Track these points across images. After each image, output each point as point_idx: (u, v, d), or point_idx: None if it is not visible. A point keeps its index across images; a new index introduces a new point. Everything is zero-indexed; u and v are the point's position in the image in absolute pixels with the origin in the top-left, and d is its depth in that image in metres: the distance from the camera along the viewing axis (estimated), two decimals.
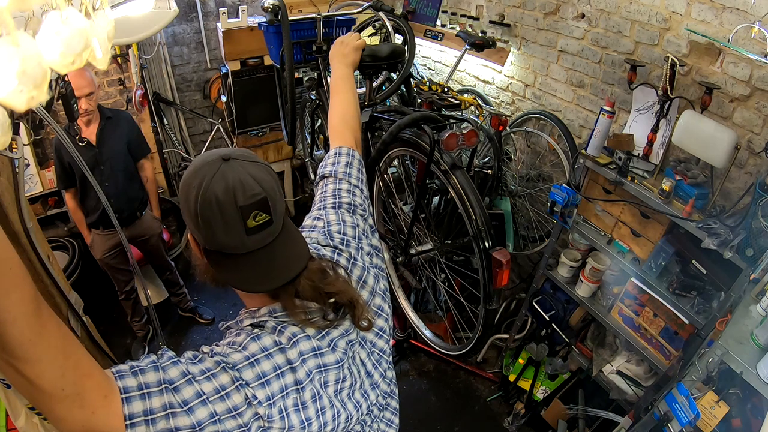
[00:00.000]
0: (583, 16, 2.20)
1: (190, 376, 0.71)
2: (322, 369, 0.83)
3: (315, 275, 0.84)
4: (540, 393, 2.50)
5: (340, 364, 0.86)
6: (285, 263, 0.82)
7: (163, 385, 0.69)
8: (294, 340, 0.81)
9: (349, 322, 0.89)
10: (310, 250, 0.87)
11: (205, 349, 0.79)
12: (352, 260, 0.98)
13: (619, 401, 2.07)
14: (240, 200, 0.75)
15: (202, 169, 0.77)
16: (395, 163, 2.51)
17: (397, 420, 1.03)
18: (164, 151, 3.48)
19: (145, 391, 0.67)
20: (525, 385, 2.57)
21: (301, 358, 0.80)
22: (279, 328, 0.82)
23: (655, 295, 1.82)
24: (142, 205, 2.69)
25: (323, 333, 0.85)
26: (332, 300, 0.86)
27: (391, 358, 1.01)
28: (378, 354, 0.96)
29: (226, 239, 0.78)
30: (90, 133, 2.39)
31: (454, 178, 1.81)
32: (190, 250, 0.89)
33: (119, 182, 2.50)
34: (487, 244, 1.79)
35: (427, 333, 2.51)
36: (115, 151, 2.47)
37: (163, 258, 2.90)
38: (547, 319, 2.30)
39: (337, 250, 0.97)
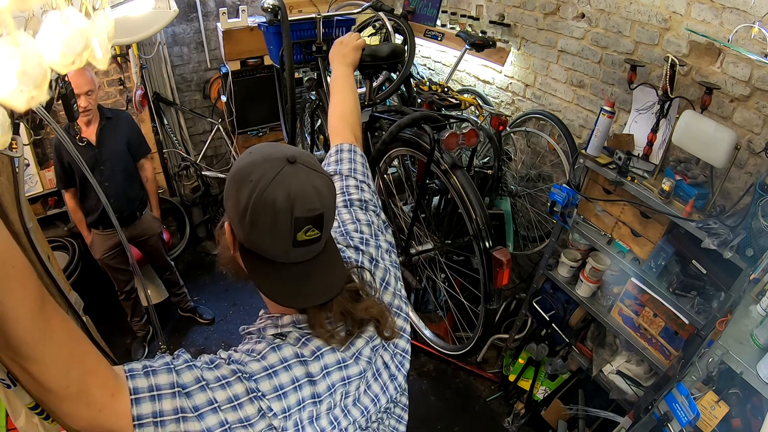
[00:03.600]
0: (583, 16, 2.20)
1: (203, 382, 0.70)
2: (346, 381, 0.81)
3: (347, 301, 0.82)
4: (540, 393, 2.50)
5: (363, 374, 0.84)
6: (321, 285, 0.79)
7: (176, 389, 0.68)
8: (318, 353, 0.79)
9: (373, 328, 0.87)
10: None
11: (223, 354, 0.77)
12: (374, 262, 0.96)
13: (619, 401, 2.07)
14: (297, 211, 0.71)
15: (263, 164, 0.73)
16: (395, 163, 2.51)
17: (406, 416, 1.01)
18: (164, 151, 3.48)
19: (156, 393, 0.66)
20: (525, 385, 2.56)
21: (324, 372, 0.79)
22: (303, 340, 0.79)
23: (655, 295, 1.82)
24: (142, 205, 2.69)
25: (347, 343, 0.83)
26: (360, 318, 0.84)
27: (409, 355, 1.00)
28: (401, 355, 0.95)
29: (271, 246, 0.75)
30: (90, 133, 2.39)
31: (454, 177, 1.82)
32: (219, 237, 0.85)
33: (119, 182, 2.50)
34: (487, 244, 1.79)
35: (427, 333, 2.51)
36: (115, 151, 2.47)
37: (163, 258, 2.89)
38: (547, 319, 2.30)
39: (359, 251, 0.95)
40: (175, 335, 3.06)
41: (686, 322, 1.73)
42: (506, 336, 2.67)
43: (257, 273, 0.78)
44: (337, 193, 1.05)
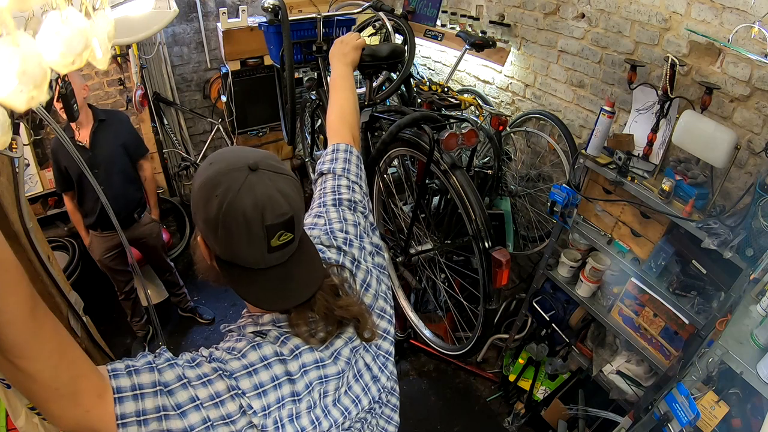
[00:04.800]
0: (583, 16, 2.20)
1: (185, 380, 0.71)
2: (323, 380, 0.83)
3: (329, 296, 0.83)
4: (540, 393, 2.50)
5: (342, 374, 0.85)
6: (300, 283, 0.79)
7: (158, 387, 0.69)
8: (296, 352, 0.80)
9: (352, 329, 0.88)
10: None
11: (204, 352, 0.78)
12: (356, 263, 0.97)
13: (619, 401, 2.07)
14: (268, 219, 0.71)
15: (227, 176, 0.72)
16: (395, 163, 2.51)
17: (396, 417, 1.02)
18: (164, 151, 3.48)
19: (138, 392, 0.67)
20: (525, 385, 2.57)
21: (302, 371, 0.80)
22: (282, 338, 0.81)
23: (655, 295, 1.82)
24: (141, 207, 2.65)
25: (326, 343, 0.84)
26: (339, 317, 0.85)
27: (393, 357, 1.01)
28: (384, 357, 0.96)
29: (246, 254, 0.75)
30: (83, 135, 2.36)
31: (454, 177, 1.81)
32: (194, 248, 0.86)
33: (115, 185, 2.46)
34: (486, 244, 1.78)
35: (427, 333, 2.51)
36: (109, 153, 2.43)
37: (163, 259, 2.89)
38: (547, 319, 2.30)
39: (341, 252, 0.96)
40: (175, 335, 3.06)
41: (686, 322, 1.73)
42: (506, 336, 2.67)
43: (236, 281, 0.78)
44: (327, 191, 1.05)
